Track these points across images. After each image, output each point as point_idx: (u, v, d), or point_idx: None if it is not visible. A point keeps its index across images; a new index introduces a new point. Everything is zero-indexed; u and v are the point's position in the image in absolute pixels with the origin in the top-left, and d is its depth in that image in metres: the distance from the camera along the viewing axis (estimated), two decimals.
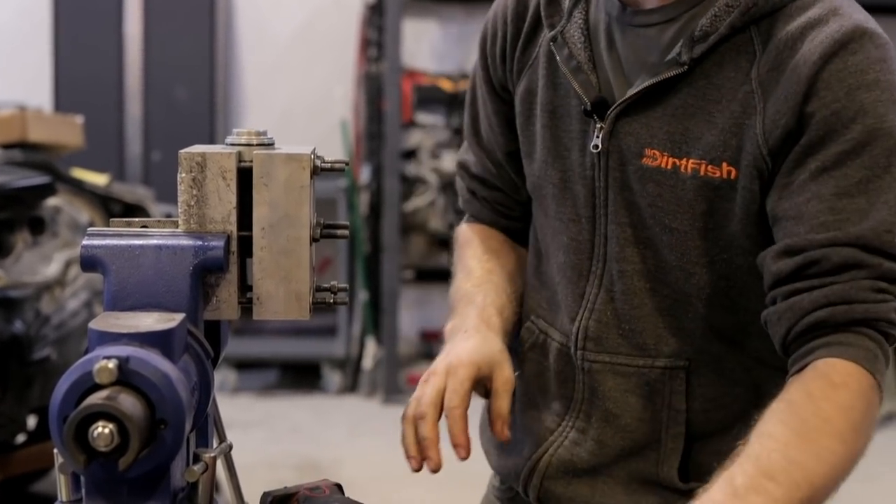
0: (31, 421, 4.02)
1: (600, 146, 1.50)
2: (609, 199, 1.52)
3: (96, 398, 1.02)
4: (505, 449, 1.67)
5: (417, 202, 6.44)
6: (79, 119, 5.03)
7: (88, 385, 1.04)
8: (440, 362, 1.52)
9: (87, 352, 1.10)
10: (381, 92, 6.33)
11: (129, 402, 1.03)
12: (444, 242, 6.58)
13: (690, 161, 1.44)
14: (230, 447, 1.27)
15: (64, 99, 6.33)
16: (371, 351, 6.25)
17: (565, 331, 1.59)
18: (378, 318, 6.32)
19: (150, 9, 6.39)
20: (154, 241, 1.19)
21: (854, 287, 1.35)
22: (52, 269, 3.95)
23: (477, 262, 1.70)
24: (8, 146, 4.54)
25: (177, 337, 1.12)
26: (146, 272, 1.18)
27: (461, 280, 1.70)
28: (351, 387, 6.32)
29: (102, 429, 1.01)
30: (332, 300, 1.30)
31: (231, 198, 1.22)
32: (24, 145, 4.58)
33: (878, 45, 1.39)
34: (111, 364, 1.03)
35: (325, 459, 5.13)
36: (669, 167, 1.46)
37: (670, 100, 1.46)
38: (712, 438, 1.53)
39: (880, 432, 4.83)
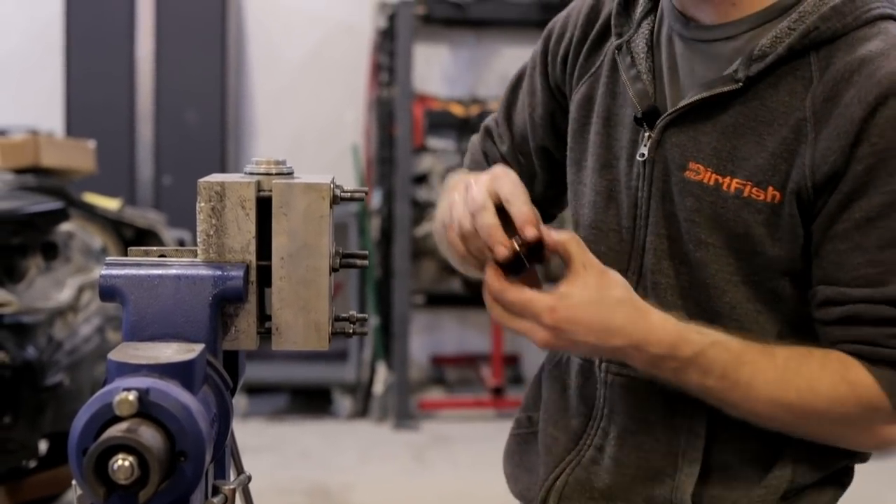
0: (43, 446, 4.01)
1: (646, 155, 1.51)
2: (650, 210, 1.52)
3: (116, 430, 1.01)
4: (527, 471, 1.66)
5: (428, 227, 6.44)
6: (91, 144, 5.05)
7: (108, 417, 1.03)
8: (465, 180, 1.46)
9: (105, 383, 1.09)
10: (393, 117, 6.34)
11: (149, 435, 1.02)
12: (454, 268, 6.58)
13: (735, 180, 1.45)
14: (249, 479, 1.26)
15: (76, 123, 6.35)
16: (382, 376, 6.24)
17: None
18: (389, 343, 6.31)
19: (162, 33, 6.41)
20: (173, 271, 1.19)
21: (884, 334, 1.41)
22: (64, 295, 3.95)
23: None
24: (21, 171, 4.55)
25: (196, 368, 1.11)
26: (165, 302, 1.18)
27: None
28: (361, 412, 6.30)
29: (122, 461, 1.00)
30: (350, 330, 1.29)
31: (250, 227, 1.22)
32: (36, 170, 4.60)
33: None
34: (131, 396, 1.02)
35: (336, 485, 5.11)
36: (711, 183, 1.46)
37: (721, 116, 1.46)
38: (728, 471, 1.52)
39: (887, 457, 4.81)
